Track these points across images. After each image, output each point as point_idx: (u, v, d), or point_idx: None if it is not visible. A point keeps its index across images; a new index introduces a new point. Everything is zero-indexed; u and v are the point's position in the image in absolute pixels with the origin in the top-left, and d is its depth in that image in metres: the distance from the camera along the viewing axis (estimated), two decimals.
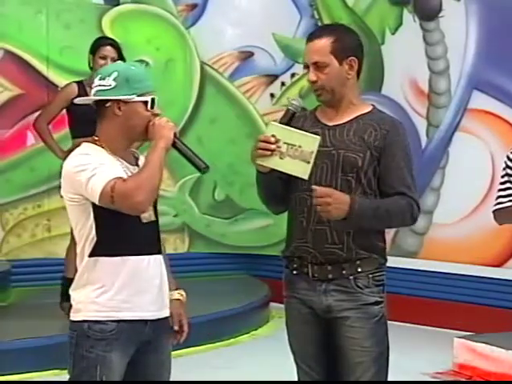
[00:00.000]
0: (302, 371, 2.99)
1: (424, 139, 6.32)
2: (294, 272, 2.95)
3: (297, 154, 2.77)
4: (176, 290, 2.84)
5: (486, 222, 5.93)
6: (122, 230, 2.60)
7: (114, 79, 2.65)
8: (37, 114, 5.93)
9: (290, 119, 2.87)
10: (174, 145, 2.67)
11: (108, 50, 5.23)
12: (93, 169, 2.56)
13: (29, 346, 4.90)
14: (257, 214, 6.77)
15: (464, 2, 6.12)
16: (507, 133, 5.95)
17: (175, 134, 2.67)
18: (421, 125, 6.32)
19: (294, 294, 2.95)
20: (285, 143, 2.78)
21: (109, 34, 6.45)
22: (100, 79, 2.68)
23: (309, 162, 2.77)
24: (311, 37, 2.91)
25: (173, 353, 5.52)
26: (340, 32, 2.94)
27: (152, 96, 2.67)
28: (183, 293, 2.86)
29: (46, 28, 6.50)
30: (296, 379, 3.02)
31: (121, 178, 2.56)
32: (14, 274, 6.24)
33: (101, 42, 5.34)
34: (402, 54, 6.41)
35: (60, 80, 6.38)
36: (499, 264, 5.94)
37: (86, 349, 2.60)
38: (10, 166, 6.49)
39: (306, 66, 2.92)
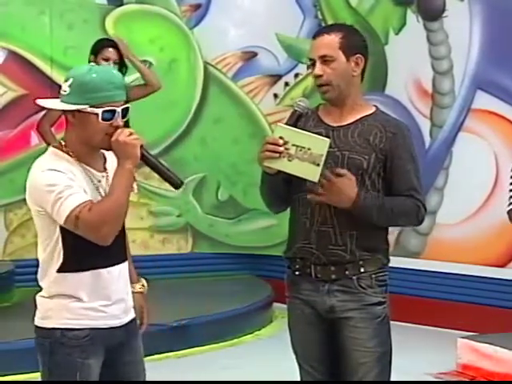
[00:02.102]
0: (305, 372, 2.99)
1: (427, 139, 6.31)
2: (297, 273, 2.95)
3: (306, 156, 2.75)
4: (137, 282, 2.80)
5: (490, 222, 5.96)
6: (89, 244, 2.50)
7: (70, 85, 2.51)
8: (40, 114, 5.94)
9: (296, 120, 2.86)
10: (142, 158, 2.53)
11: (110, 52, 5.23)
12: (60, 191, 2.46)
13: (33, 346, 4.89)
14: (260, 214, 6.77)
15: (468, 2, 6.11)
16: (511, 133, 5.95)
17: (142, 146, 2.52)
18: (424, 125, 6.32)
19: (297, 294, 2.95)
20: (293, 145, 2.75)
21: (112, 35, 6.45)
22: (64, 82, 2.57)
23: (318, 165, 2.74)
24: (319, 32, 2.92)
25: (177, 353, 5.55)
26: (348, 30, 2.96)
27: (107, 108, 2.48)
28: (144, 283, 2.83)
29: (50, 28, 6.51)
30: (299, 379, 3.03)
31: (87, 204, 2.46)
32: (17, 274, 6.25)
33: (103, 43, 5.33)
34: (406, 54, 6.40)
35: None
36: (503, 264, 5.93)
37: (63, 357, 2.55)
38: (14, 166, 6.50)
39: (312, 63, 2.90)
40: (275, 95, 7.10)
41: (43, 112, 5.84)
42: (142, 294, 2.79)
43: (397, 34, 6.48)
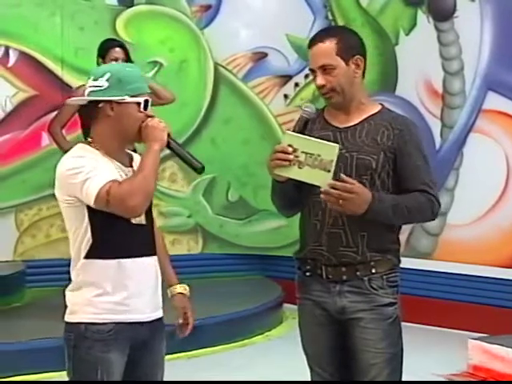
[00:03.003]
0: (315, 373, 2.99)
1: (438, 140, 6.30)
2: (307, 273, 2.95)
3: (316, 163, 2.73)
4: (178, 284, 2.86)
5: (501, 222, 5.94)
6: (115, 231, 2.60)
7: (107, 80, 2.64)
8: (51, 115, 5.97)
9: (304, 126, 2.85)
10: (168, 146, 2.66)
11: (118, 52, 5.26)
12: (87, 172, 2.56)
13: (44, 346, 4.92)
14: (270, 214, 6.77)
15: (479, 3, 6.09)
16: None
17: (169, 135, 2.66)
18: (435, 125, 6.31)
19: (308, 295, 2.95)
20: (303, 152, 2.74)
21: (123, 36, 6.47)
22: (93, 80, 2.68)
23: (329, 171, 2.72)
24: (313, 41, 2.89)
25: (188, 353, 5.56)
26: (342, 33, 2.95)
27: (145, 97, 2.66)
28: (186, 287, 2.88)
29: (61, 30, 6.53)
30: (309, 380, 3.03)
31: (116, 181, 2.56)
32: (28, 274, 6.28)
33: (110, 44, 5.35)
34: (416, 54, 6.39)
35: (74, 81, 6.41)
36: None
37: (85, 350, 2.61)
38: (24, 166, 6.52)
39: (313, 74, 2.90)
40: (285, 96, 7.10)
41: (54, 113, 5.87)
42: (183, 295, 2.85)
43: (407, 34, 6.47)
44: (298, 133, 2.83)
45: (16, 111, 6.50)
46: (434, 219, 2.95)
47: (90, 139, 2.69)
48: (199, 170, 2.68)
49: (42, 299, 6.08)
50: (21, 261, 6.45)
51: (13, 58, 6.48)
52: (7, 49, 6.44)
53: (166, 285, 2.85)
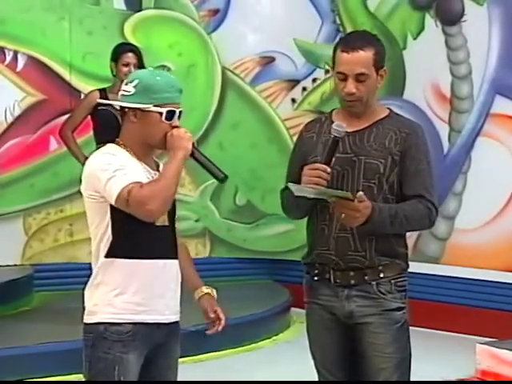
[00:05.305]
0: (323, 377, 2.99)
1: (446, 144, 6.29)
2: (316, 278, 2.95)
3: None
4: (204, 286, 2.87)
5: (509, 227, 5.93)
6: (136, 232, 2.63)
7: (135, 86, 2.68)
8: (59, 119, 5.99)
9: (335, 145, 2.84)
10: (192, 155, 2.68)
11: (130, 57, 5.28)
12: (114, 170, 2.60)
13: (52, 350, 4.93)
14: (278, 219, 6.77)
15: (487, 7, 6.09)
16: None
17: (193, 145, 2.68)
18: (443, 130, 6.30)
19: (316, 300, 2.95)
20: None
21: (131, 40, 6.48)
22: (125, 84, 2.72)
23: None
24: (351, 46, 2.86)
25: (195, 357, 5.55)
26: (377, 43, 2.94)
27: (170, 108, 2.66)
28: (213, 290, 2.89)
29: (69, 34, 6.55)
30: None
31: (139, 183, 2.59)
32: (36, 278, 6.28)
33: (122, 48, 5.38)
34: (424, 58, 6.38)
35: (82, 86, 6.43)
36: None
37: (104, 350, 2.62)
38: (33, 170, 6.53)
39: (342, 75, 2.87)
40: (293, 100, 7.10)
41: (64, 117, 5.89)
42: (209, 295, 2.85)
43: (415, 38, 6.47)
44: (328, 152, 2.82)
45: (24, 115, 6.52)
46: (431, 227, 2.96)
47: (118, 140, 2.73)
48: (221, 180, 2.71)
49: (50, 303, 6.09)
50: (29, 265, 6.47)
51: (21, 62, 6.50)
52: (16, 53, 6.47)
53: (190, 289, 2.85)
